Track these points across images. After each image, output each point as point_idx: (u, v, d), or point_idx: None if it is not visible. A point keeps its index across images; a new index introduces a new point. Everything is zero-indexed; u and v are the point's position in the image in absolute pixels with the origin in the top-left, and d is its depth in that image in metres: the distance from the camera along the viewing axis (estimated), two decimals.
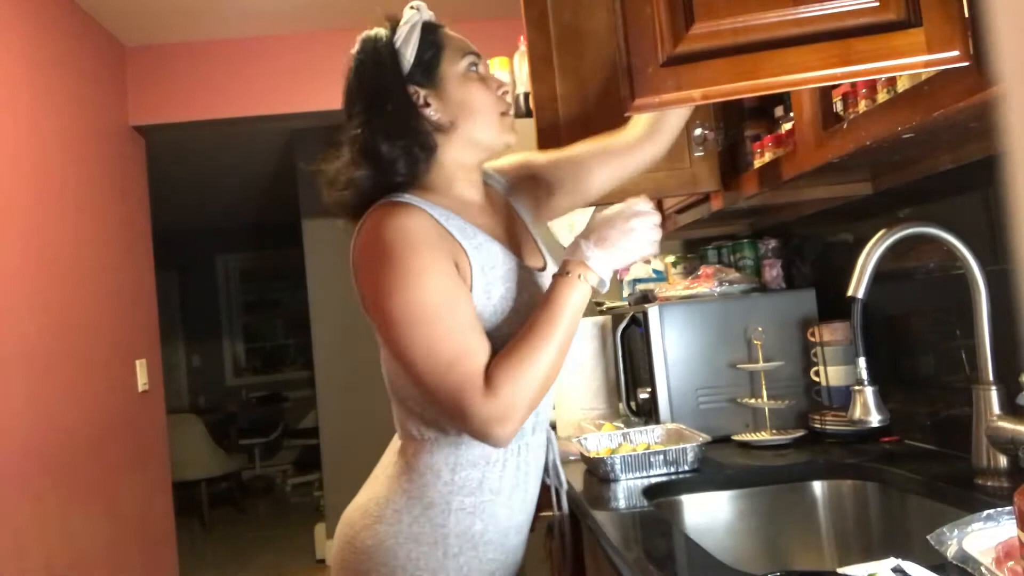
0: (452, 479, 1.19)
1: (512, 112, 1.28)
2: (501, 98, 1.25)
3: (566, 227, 2.67)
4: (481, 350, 1.11)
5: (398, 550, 1.18)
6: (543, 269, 1.32)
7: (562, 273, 1.17)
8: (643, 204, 1.18)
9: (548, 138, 1.66)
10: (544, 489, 1.36)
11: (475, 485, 1.20)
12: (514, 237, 1.31)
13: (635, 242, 1.16)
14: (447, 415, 1.15)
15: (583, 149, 1.43)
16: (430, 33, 1.22)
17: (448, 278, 1.13)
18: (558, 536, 1.42)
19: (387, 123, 1.19)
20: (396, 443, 1.29)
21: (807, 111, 1.31)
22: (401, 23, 1.22)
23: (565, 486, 1.40)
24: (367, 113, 1.20)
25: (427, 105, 1.21)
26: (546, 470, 1.36)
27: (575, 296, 1.14)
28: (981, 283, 1.19)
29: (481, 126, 1.23)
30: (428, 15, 1.24)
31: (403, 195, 1.19)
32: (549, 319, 1.13)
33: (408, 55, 1.20)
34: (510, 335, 1.15)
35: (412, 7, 1.23)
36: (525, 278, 1.23)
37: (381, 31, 1.23)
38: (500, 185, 1.41)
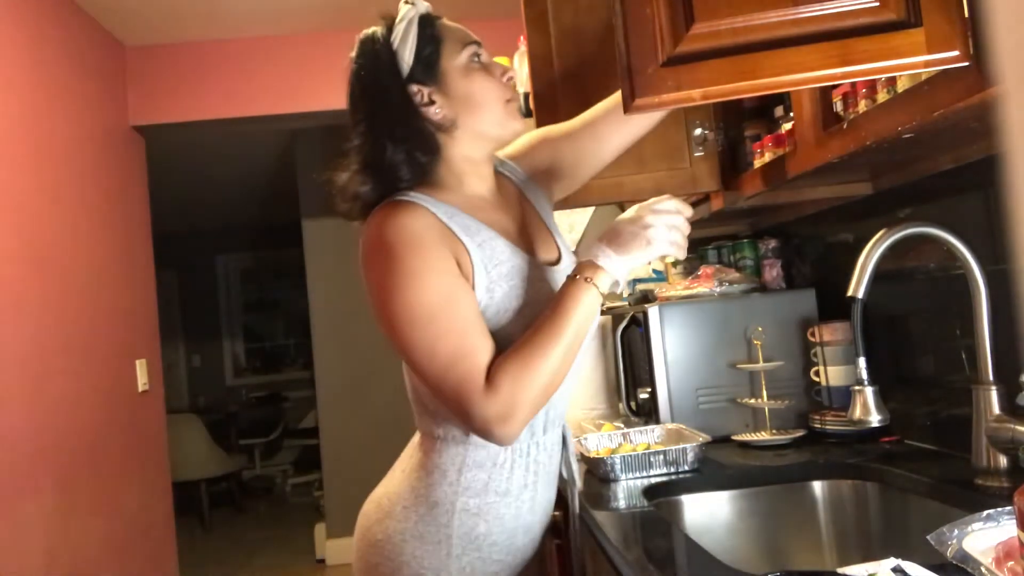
0: (458, 479, 1.19)
1: (521, 99, 1.26)
2: (506, 85, 1.23)
3: (566, 228, 2.67)
4: (483, 349, 1.10)
5: (404, 546, 1.19)
6: (557, 262, 1.29)
7: (573, 275, 1.15)
8: (666, 203, 1.15)
9: None
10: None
11: (480, 487, 1.19)
12: (525, 232, 1.29)
13: (651, 242, 1.13)
14: (453, 413, 1.14)
15: (596, 111, 1.39)
16: (428, 27, 1.20)
17: (448, 276, 1.12)
18: (568, 535, 1.40)
19: (389, 127, 1.18)
20: (416, 438, 1.29)
21: (807, 111, 1.31)
22: (397, 21, 1.19)
23: (578, 485, 1.36)
24: (370, 120, 1.19)
25: (431, 103, 1.19)
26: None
27: (583, 298, 1.12)
28: (981, 283, 1.19)
29: (487, 118, 1.21)
30: (424, 7, 1.21)
31: (408, 193, 1.18)
32: (555, 320, 1.11)
33: (407, 54, 1.18)
34: (516, 333, 1.14)
35: (407, 2, 1.20)
36: (534, 274, 1.21)
37: (378, 31, 1.20)
38: (517, 175, 1.38)
